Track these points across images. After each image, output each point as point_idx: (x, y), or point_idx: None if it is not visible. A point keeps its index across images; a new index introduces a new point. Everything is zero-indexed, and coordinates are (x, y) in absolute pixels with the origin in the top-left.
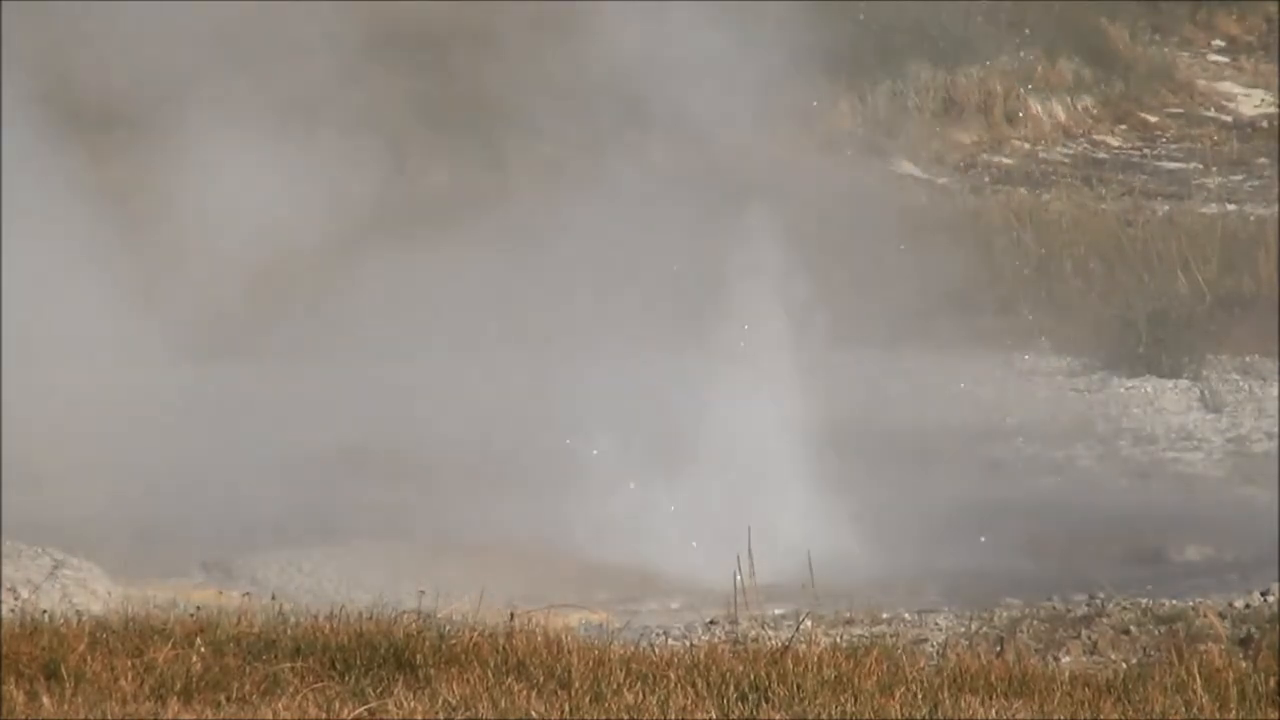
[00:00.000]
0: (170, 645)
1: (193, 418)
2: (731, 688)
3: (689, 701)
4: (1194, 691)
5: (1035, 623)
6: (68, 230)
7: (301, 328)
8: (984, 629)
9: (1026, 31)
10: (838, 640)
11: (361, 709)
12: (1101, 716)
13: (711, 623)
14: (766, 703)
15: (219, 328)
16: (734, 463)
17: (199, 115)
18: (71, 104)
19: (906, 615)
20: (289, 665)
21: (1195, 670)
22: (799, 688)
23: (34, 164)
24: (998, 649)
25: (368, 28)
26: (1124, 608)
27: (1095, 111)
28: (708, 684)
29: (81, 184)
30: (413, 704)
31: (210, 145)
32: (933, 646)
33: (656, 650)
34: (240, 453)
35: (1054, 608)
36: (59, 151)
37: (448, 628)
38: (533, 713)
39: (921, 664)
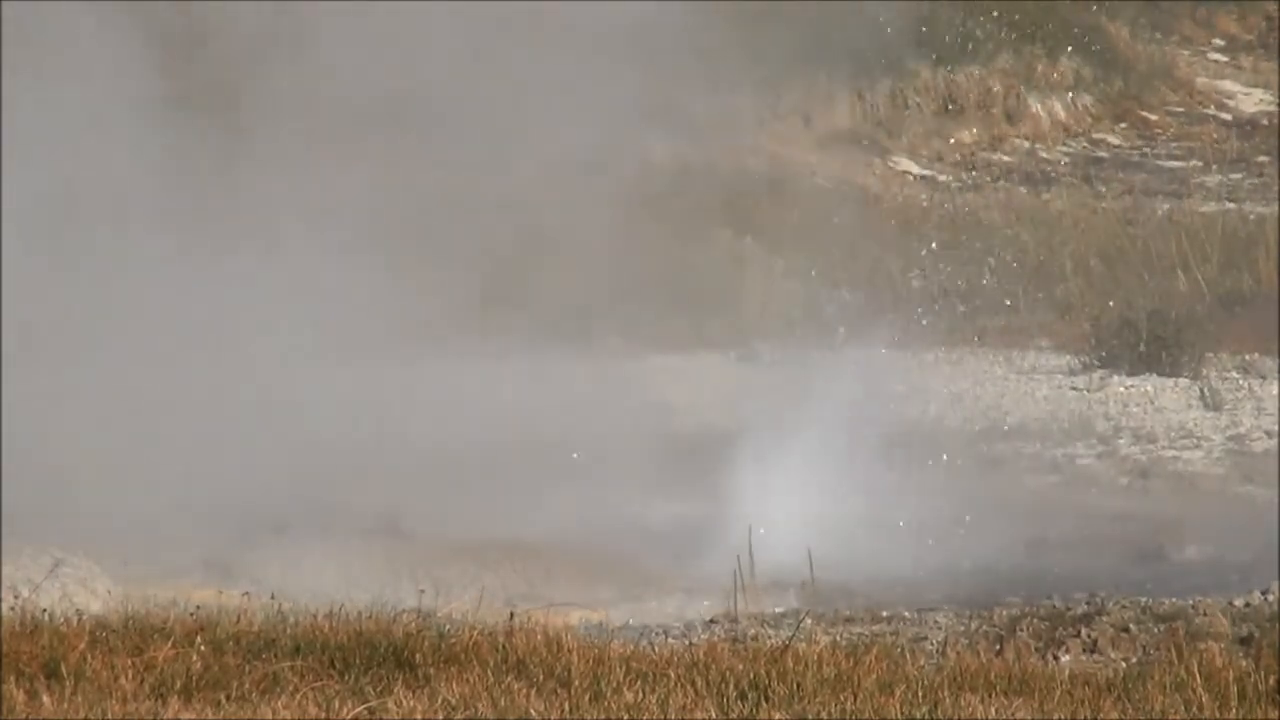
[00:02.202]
0: (170, 644)
1: (192, 417)
2: (731, 686)
3: (688, 700)
4: (1194, 690)
5: (1035, 621)
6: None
7: (299, 328)
8: (984, 627)
9: (1026, 31)
10: (837, 639)
11: (361, 708)
12: (1101, 715)
13: (711, 621)
14: (766, 701)
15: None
16: (734, 461)
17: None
18: None
19: (906, 613)
20: (289, 664)
21: (1195, 669)
22: (799, 686)
23: None
24: (997, 647)
25: None
26: (1124, 606)
27: (1095, 110)
28: (707, 683)
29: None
30: (412, 703)
31: None
32: (932, 645)
33: (656, 649)
34: (240, 452)
35: (1054, 606)
36: None
37: (447, 627)
38: (532, 712)
39: (921, 662)
